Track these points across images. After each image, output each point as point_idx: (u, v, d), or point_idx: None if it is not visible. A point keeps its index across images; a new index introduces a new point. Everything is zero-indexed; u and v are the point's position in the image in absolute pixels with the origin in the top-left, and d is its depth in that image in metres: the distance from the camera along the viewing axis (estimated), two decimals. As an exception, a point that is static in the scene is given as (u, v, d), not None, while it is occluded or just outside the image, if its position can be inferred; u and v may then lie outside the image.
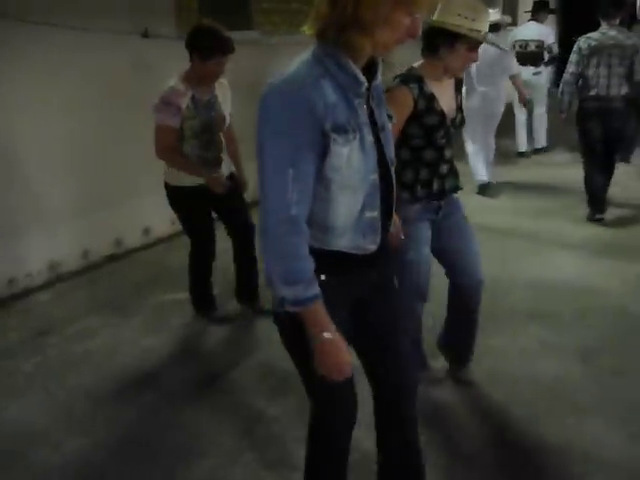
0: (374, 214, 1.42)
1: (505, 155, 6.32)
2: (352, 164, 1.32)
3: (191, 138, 2.78)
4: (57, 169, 3.61)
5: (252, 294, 3.23)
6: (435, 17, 2.07)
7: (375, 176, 1.39)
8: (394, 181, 1.47)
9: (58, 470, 2.16)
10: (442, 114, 2.12)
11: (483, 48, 4.08)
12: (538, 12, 6.16)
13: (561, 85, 4.73)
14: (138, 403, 2.52)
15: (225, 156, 2.98)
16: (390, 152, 1.46)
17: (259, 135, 1.29)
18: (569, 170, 5.21)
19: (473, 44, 2.07)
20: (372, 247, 1.45)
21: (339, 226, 1.37)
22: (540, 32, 6.05)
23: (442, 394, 2.53)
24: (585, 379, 2.61)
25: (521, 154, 6.66)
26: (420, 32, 1.31)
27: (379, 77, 1.42)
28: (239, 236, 3.11)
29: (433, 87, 2.12)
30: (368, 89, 1.36)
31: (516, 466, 2.13)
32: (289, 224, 1.27)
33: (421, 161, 2.18)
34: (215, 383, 2.65)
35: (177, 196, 2.90)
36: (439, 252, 2.36)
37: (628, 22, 8.94)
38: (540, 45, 6.02)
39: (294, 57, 1.31)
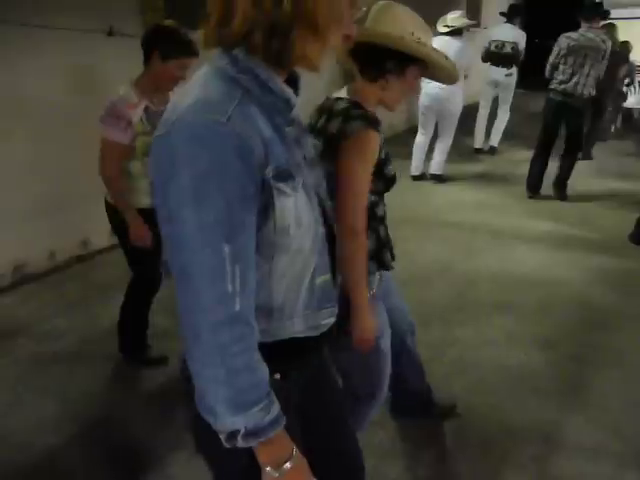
0: (327, 277, 1.08)
1: (462, 151, 6.48)
2: (301, 220, 0.96)
3: (145, 155, 2.39)
4: (21, 168, 3.55)
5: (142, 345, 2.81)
6: (381, 31, 1.54)
7: (322, 228, 1.05)
8: (334, 229, 1.13)
9: (28, 470, 2.14)
10: (389, 160, 1.65)
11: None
12: (513, 15, 6.27)
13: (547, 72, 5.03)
14: (108, 403, 2.51)
15: None
16: (324, 192, 1.10)
17: (167, 197, 0.86)
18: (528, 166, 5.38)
19: (422, 70, 1.61)
20: (330, 320, 1.11)
21: (288, 306, 1.02)
22: (515, 35, 6.19)
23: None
24: (546, 366, 2.72)
25: (478, 150, 6.86)
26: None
27: (299, 95, 1.02)
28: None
29: None
30: None
31: (479, 448, 2.21)
32: (234, 325, 0.88)
33: (377, 219, 1.70)
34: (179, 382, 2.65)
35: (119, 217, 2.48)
36: None
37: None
38: (515, 47, 6.15)
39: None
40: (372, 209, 1.65)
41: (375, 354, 1.77)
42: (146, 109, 2.34)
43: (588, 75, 4.79)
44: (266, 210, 0.91)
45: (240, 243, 0.87)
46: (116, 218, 2.49)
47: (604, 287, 3.52)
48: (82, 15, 3.60)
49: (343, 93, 1.65)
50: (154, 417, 2.40)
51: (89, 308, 3.32)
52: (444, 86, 5.04)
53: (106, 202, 2.56)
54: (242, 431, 0.91)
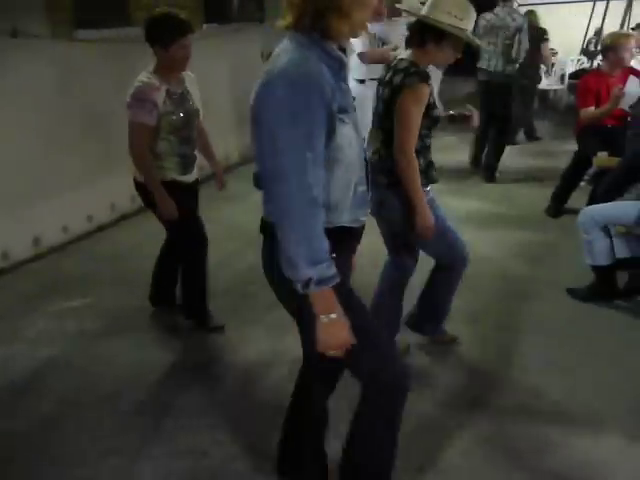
0: (364, 187, 1.53)
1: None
2: (352, 143, 1.42)
3: (170, 134, 2.65)
4: None
5: (205, 311, 3.01)
6: (425, 12, 2.18)
7: (365, 153, 1.53)
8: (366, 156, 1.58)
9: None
10: (436, 106, 2.31)
11: None
12: None
13: None
14: (35, 415, 2.42)
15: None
16: (360, 131, 1.54)
17: (269, 123, 1.31)
18: (455, 151, 5.56)
19: (458, 43, 2.20)
20: (364, 219, 1.57)
21: (341, 202, 1.45)
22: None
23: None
24: (474, 337, 2.84)
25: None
26: (386, 11, 1.41)
27: (347, 59, 1.54)
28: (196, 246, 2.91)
29: None
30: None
31: (412, 424, 2.27)
32: (312, 205, 1.31)
33: (427, 148, 2.37)
34: (116, 386, 2.59)
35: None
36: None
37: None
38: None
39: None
40: (423, 139, 2.29)
41: (441, 236, 2.41)
42: (167, 92, 2.60)
43: (503, 53, 5.01)
44: (330, 133, 1.35)
45: (317, 153, 1.31)
46: (146, 197, 2.73)
47: (523, 259, 3.70)
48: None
49: (405, 55, 2.28)
50: (87, 422, 2.35)
51: (13, 320, 3.19)
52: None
53: (135, 181, 2.77)
54: (314, 279, 1.32)
